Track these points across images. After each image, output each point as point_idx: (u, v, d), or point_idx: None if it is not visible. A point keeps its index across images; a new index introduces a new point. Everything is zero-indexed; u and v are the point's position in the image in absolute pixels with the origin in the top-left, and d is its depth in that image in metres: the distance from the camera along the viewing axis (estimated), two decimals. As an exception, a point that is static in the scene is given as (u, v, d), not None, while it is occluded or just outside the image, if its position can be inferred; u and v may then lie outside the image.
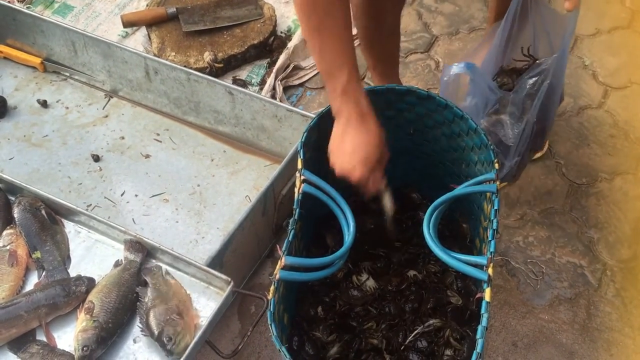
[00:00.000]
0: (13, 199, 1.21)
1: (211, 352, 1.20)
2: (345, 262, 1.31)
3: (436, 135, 1.27)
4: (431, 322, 1.22)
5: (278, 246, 1.03)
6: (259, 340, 1.35)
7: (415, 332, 1.21)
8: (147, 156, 1.59)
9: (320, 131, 1.21)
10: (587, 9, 1.90)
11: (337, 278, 1.31)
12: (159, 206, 1.49)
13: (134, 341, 1.05)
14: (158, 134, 1.64)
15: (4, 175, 1.22)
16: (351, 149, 1.06)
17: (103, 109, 1.70)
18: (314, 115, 1.19)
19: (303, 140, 1.14)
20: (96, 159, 1.57)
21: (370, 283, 1.30)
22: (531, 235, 1.47)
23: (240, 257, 1.30)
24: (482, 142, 1.14)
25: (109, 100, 1.72)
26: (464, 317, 1.22)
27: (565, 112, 1.71)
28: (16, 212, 1.16)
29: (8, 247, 1.11)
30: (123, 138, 1.63)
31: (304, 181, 1.10)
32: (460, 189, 1.11)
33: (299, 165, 1.12)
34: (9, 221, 1.17)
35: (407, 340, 1.20)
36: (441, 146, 1.28)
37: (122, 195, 1.50)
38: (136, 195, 1.50)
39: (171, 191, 1.52)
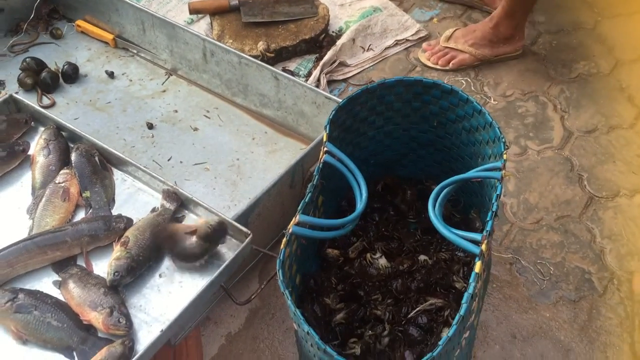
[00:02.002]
0: (72, 145, 1.37)
1: (227, 301, 1.33)
2: (362, 241, 1.42)
3: (457, 129, 1.36)
4: (433, 301, 1.30)
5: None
6: (274, 303, 1.46)
7: (418, 308, 1.29)
8: (196, 129, 1.74)
9: (348, 113, 1.33)
10: (630, 37, 1.95)
11: (351, 255, 1.41)
12: (200, 173, 1.63)
13: (160, 276, 1.18)
14: (208, 111, 1.79)
15: (68, 125, 1.38)
16: None
17: (162, 84, 1.87)
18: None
19: (331, 117, 1.26)
20: (150, 126, 1.73)
21: (383, 262, 1.39)
22: (544, 239, 1.53)
23: (265, 223, 1.41)
24: (496, 135, 1.22)
25: (169, 77, 1.89)
26: (465, 301, 1.30)
27: (596, 130, 1.76)
28: (73, 156, 1.32)
29: (63, 185, 1.27)
30: (176, 111, 1.79)
31: (326, 152, 1.21)
32: (468, 173, 1.19)
33: (324, 139, 1.23)
34: (66, 163, 1.33)
35: (409, 315, 1.28)
36: (461, 140, 1.37)
37: (168, 160, 1.65)
38: (181, 162, 1.65)
39: (212, 162, 1.66)
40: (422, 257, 1.39)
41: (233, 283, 1.39)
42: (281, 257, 1.09)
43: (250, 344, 1.40)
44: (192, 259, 1.17)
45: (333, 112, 1.27)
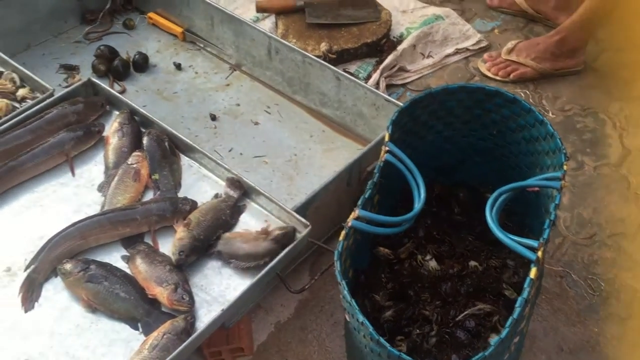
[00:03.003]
0: (143, 130, 1.44)
1: (278, 291, 1.38)
2: (413, 242, 1.44)
3: (517, 138, 1.37)
4: (482, 306, 1.31)
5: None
6: (323, 296, 1.50)
7: (466, 312, 1.31)
8: (256, 123, 1.80)
9: (409, 115, 1.36)
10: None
11: (402, 255, 1.44)
12: (259, 166, 1.68)
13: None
14: (269, 107, 1.85)
15: (141, 110, 1.46)
16: None
17: (226, 78, 1.94)
18: (407, 103, 1.33)
19: (393, 118, 1.29)
20: (213, 118, 1.80)
21: (433, 264, 1.41)
22: (597, 254, 1.53)
23: (321, 218, 1.45)
24: (557, 146, 1.24)
25: (233, 72, 1.96)
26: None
27: (655, 150, 1.75)
28: (145, 140, 1.39)
29: (134, 166, 1.34)
30: (238, 105, 1.85)
31: (387, 152, 1.25)
32: (527, 181, 1.21)
33: (386, 139, 1.27)
34: (137, 146, 1.40)
35: (457, 318, 1.30)
36: (520, 149, 1.38)
37: (229, 151, 1.71)
38: (241, 154, 1.71)
39: (271, 155, 1.71)
40: (472, 263, 1.41)
41: (286, 273, 1.43)
42: (339, 249, 1.13)
43: (299, 334, 1.44)
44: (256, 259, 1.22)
45: (396, 114, 1.30)
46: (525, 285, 1.05)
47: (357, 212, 1.16)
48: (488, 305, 1.31)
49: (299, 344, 1.42)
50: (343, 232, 1.15)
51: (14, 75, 1.52)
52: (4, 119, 1.40)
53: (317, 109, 1.82)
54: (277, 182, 1.65)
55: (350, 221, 1.15)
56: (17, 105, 1.47)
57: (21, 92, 1.48)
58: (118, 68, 1.88)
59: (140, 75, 1.93)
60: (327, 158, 1.72)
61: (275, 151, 1.73)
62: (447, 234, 1.47)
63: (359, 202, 1.18)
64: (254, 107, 1.85)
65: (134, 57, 1.92)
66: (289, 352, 1.41)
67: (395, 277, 1.40)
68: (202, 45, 2.02)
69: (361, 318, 1.04)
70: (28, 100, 1.47)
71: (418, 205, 1.21)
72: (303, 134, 1.78)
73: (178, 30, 2.03)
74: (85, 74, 1.89)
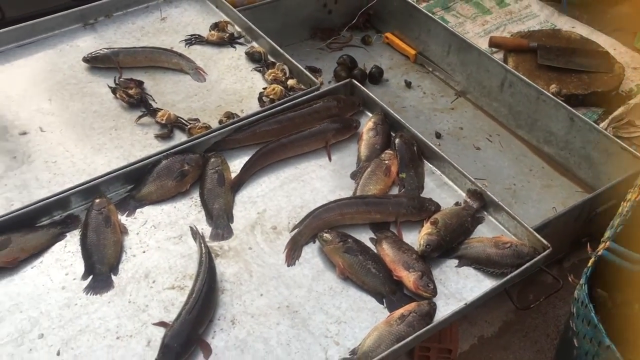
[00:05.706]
0: (392, 133, 1.58)
1: (484, 307, 1.43)
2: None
3: None
4: None
5: (590, 247, 1.21)
6: (529, 323, 1.54)
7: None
8: (478, 148, 1.89)
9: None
10: None
11: (617, 300, 1.44)
12: (477, 187, 1.76)
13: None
14: (490, 135, 1.93)
15: (394, 114, 1.60)
16: None
17: (451, 103, 2.05)
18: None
19: (649, 163, 1.32)
20: (438, 136, 1.91)
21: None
22: None
23: (545, 244, 1.50)
24: None
25: (457, 98, 2.07)
26: None
27: None
28: (397, 141, 1.53)
29: (386, 162, 1.47)
30: (461, 129, 1.95)
31: (643, 192, 1.27)
32: None
33: (640, 181, 1.29)
34: (387, 145, 1.54)
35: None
36: None
37: (451, 169, 1.81)
38: (460, 173, 1.80)
39: (491, 180, 1.79)
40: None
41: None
42: (587, 273, 1.17)
43: (500, 353, 1.49)
44: (496, 266, 1.29)
45: (652, 159, 1.33)
46: None
47: (607, 244, 1.20)
48: None
49: (500, 362, 1.47)
50: (592, 259, 1.19)
51: (285, 67, 1.73)
52: (278, 102, 1.61)
53: (539, 145, 1.87)
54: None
55: (601, 250, 1.19)
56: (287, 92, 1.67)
57: (290, 82, 1.68)
58: (357, 77, 2.05)
59: (374, 86, 2.09)
60: (545, 193, 1.76)
61: (495, 177, 1.80)
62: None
63: (610, 235, 1.22)
64: (476, 133, 1.94)
65: (370, 70, 2.10)
66: (490, 367, 1.46)
67: (609, 319, 1.40)
68: (431, 69, 2.15)
69: (607, 342, 1.08)
70: (295, 90, 1.66)
71: (670, 251, 1.22)
72: (523, 166, 1.84)
73: (411, 52, 2.18)
74: (326, 77, 2.09)
